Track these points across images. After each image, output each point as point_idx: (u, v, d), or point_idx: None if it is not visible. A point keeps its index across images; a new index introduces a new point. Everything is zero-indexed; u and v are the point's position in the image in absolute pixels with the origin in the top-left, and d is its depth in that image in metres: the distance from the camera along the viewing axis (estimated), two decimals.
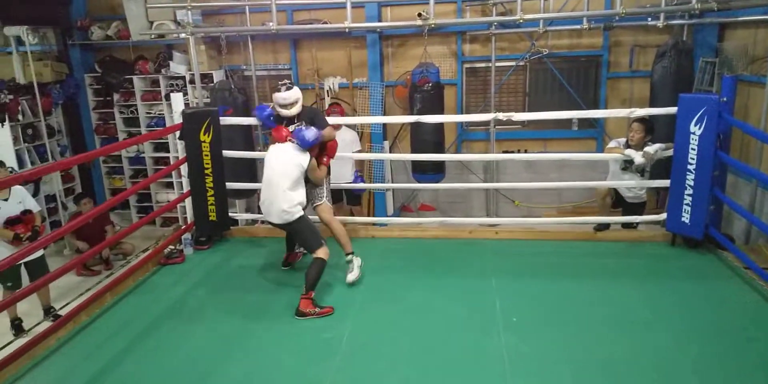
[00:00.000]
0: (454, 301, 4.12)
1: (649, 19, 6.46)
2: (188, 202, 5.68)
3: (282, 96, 4.42)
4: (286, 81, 4.54)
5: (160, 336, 3.80)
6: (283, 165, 4.21)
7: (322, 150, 4.49)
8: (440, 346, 3.55)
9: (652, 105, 5.91)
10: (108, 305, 4.24)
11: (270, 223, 4.36)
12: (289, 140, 4.27)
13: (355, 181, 6.61)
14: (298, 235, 4.35)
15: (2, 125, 6.84)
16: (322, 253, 4.13)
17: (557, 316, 3.87)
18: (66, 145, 8.03)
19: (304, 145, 4.22)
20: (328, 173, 4.72)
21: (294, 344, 3.66)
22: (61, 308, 5.06)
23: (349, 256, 4.50)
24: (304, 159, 4.22)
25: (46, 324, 4.09)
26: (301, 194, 4.23)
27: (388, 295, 4.23)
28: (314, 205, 4.62)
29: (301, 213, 4.20)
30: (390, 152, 7.61)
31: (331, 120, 6.43)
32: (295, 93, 4.46)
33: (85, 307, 3.96)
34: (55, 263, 5.93)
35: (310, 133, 4.22)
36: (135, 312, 4.15)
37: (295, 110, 4.48)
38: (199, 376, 3.33)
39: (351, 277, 4.42)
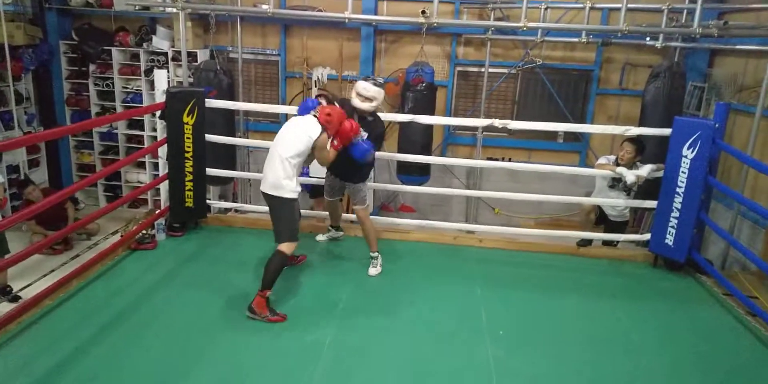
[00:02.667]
0: (440, 309, 4.04)
1: (647, 38, 6.50)
2: (163, 186, 5.43)
3: (363, 85, 4.25)
4: (379, 77, 4.52)
5: (127, 328, 3.58)
6: (294, 133, 3.92)
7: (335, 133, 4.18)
8: (427, 357, 3.46)
9: (642, 124, 5.94)
10: (74, 290, 3.98)
11: (262, 194, 4.01)
12: (314, 115, 3.98)
13: None
14: (276, 216, 3.97)
15: None
16: (287, 247, 3.85)
17: (543, 331, 3.84)
18: (33, 114, 7.61)
19: (356, 155, 4.11)
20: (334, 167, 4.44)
21: (271, 347, 3.50)
22: (21, 289, 4.78)
23: (375, 253, 4.58)
24: (315, 131, 3.89)
25: (4, 305, 3.82)
26: (295, 179, 3.91)
27: (372, 301, 4.11)
28: (355, 205, 4.61)
29: (293, 195, 3.89)
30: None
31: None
32: (379, 92, 4.28)
33: (51, 292, 3.70)
34: (14, 238, 5.63)
35: (370, 152, 4.14)
36: (103, 299, 3.91)
37: (367, 106, 4.26)
38: (165, 374, 3.14)
39: (374, 271, 4.52)
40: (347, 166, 4.37)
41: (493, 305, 4.14)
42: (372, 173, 7.53)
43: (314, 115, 3.98)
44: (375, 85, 4.27)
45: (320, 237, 5.15)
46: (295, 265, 4.54)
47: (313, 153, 3.98)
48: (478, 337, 3.70)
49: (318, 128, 3.90)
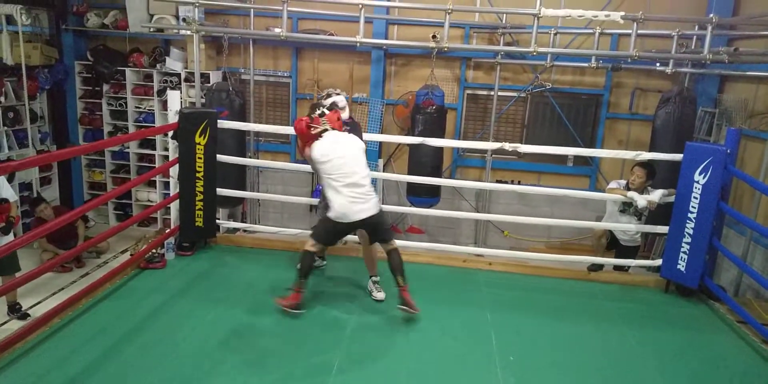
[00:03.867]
0: (451, 333, 3.99)
1: (657, 64, 6.54)
2: (174, 205, 5.45)
3: (337, 99, 4.43)
4: (330, 90, 4.64)
5: (136, 347, 3.56)
6: (352, 151, 4.04)
7: None
8: (436, 383, 3.41)
9: (652, 149, 5.94)
10: (83, 308, 3.97)
11: (352, 222, 3.97)
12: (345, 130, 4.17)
13: None
14: (383, 224, 4.16)
15: None
16: (395, 243, 4.14)
17: (554, 357, 3.78)
18: (47, 133, 7.70)
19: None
20: None
21: (280, 368, 3.46)
22: (30, 307, 4.77)
23: (376, 278, 4.51)
24: (361, 142, 4.15)
25: (13, 323, 3.81)
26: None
27: (382, 323, 4.07)
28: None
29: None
30: (383, 171, 7.51)
31: None
32: (343, 98, 4.52)
33: (60, 311, 3.69)
34: (24, 255, 5.64)
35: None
36: (112, 318, 3.89)
37: (346, 115, 4.47)
38: None
39: (381, 295, 4.42)
40: None
41: (503, 330, 4.08)
42: (381, 194, 7.60)
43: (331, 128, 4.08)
44: (338, 94, 4.50)
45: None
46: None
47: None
48: (488, 363, 3.64)
49: (359, 140, 4.16)
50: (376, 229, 4.12)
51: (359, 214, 3.93)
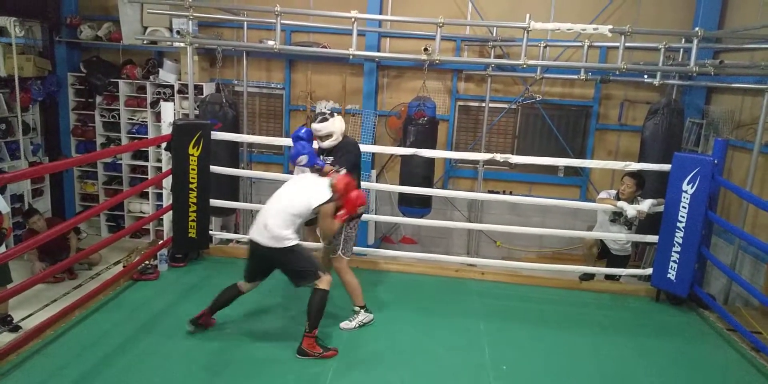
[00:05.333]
0: (444, 343, 4.02)
1: (645, 76, 6.65)
2: (166, 217, 5.46)
3: (315, 127, 4.15)
4: (325, 112, 4.33)
5: (129, 359, 3.56)
6: (301, 193, 3.80)
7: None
8: None
9: (641, 160, 6.01)
10: (76, 320, 3.97)
11: (251, 242, 3.80)
12: (330, 183, 3.83)
13: None
14: (289, 266, 3.74)
15: None
16: (324, 283, 3.71)
17: (547, 366, 3.81)
18: (39, 144, 7.68)
19: (292, 158, 4.05)
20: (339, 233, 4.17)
21: (275, 379, 3.47)
22: (22, 319, 4.74)
23: (358, 308, 4.22)
24: (319, 197, 3.73)
25: (4, 335, 3.80)
26: (292, 232, 3.74)
27: (375, 333, 4.09)
28: (332, 255, 4.27)
29: (295, 242, 3.72)
30: (376, 182, 7.55)
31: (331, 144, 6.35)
32: (329, 123, 4.12)
33: (53, 323, 3.69)
34: (15, 266, 5.60)
35: (308, 157, 3.99)
36: (104, 330, 3.89)
37: (329, 142, 4.16)
38: None
39: (346, 325, 4.16)
40: None
41: (496, 340, 4.12)
42: (374, 204, 7.65)
43: (331, 183, 3.81)
44: (322, 120, 4.12)
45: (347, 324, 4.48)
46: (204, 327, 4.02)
47: (317, 219, 3.83)
48: (481, 373, 3.67)
49: (326, 195, 3.74)
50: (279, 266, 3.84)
51: (253, 234, 3.78)
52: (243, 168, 7.47)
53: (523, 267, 5.53)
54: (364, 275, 4.94)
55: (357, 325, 4.18)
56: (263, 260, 3.83)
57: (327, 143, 4.17)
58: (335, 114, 4.25)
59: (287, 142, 6.97)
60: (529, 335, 4.25)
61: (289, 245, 3.69)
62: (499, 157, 5.11)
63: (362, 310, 4.22)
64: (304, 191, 3.82)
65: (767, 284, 5.09)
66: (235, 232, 7.64)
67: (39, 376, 3.32)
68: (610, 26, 5.29)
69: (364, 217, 6.94)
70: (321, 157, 4.22)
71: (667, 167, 4.89)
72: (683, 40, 6.15)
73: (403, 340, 4.02)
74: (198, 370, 3.50)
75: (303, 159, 4.03)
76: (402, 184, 6.57)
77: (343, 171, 3.96)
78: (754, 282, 5.28)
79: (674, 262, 4.82)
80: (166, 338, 3.84)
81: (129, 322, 4.02)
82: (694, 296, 4.81)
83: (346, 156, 4.19)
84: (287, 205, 3.77)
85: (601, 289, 5.22)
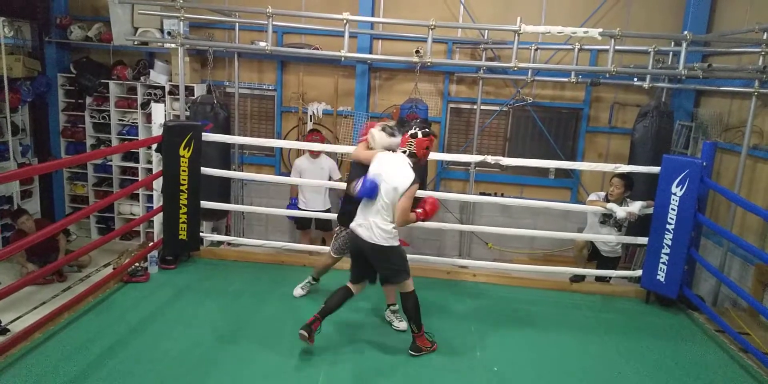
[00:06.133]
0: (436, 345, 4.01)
1: (635, 79, 6.70)
2: (157, 219, 5.43)
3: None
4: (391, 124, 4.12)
5: (119, 361, 3.53)
6: (391, 176, 3.70)
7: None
8: None
9: (631, 162, 6.06)
10: (65, 322, 3.93)
11: (354, 242, 3.85)
12: (408, 151, 3.80)
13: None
14: (387, 262, 3.82)
15: None
16: (411, 285, 3.87)
17: (537, 367, 3.82)
18: (28, 145, 7.62)
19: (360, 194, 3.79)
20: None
21: (266, 380, 3.46)
22: (10, 322, 4.70)
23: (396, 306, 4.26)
24: (406, 181, 3.66)
25: None
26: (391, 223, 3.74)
27: (367, 336, 4.08)
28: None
29: (396, 242, 3.79)
30: None
31: (323, 147, 6.32)
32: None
33: (42, 325, 3.66)
34: (2, 269, 5.57)
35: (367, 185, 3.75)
36: (94, 332, 3.86)
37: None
38: None
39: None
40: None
41: (487, 341, 4.13)
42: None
43: (409, 151, 3.77)
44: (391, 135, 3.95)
45: (299, 290, 4.71)
46: None
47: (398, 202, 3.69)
48: (472, 374, 3.68)
49: (410, 178, 3.66)
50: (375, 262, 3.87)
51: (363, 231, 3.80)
52: (234, 170, 7.45)
53: (514, 269, 5.55)
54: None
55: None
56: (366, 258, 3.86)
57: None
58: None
59: (279, 143, 7.01)
60: (519, 336, 4.26)
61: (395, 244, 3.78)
62: (490, 159, 5.13)
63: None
64: (396, 174, 3.69)
65: (755, 286, 5.13)
66: (226, 234, 7.62)
67: (27, 379, 3.29)
68: (600, 29, 5.32)
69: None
70: None
71: (656, 170, 4.93)
72: (672, 43, 6.20)
73: (393, 342, 4.02)
74: (188, 372, 3.48)
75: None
76: None
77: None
78: (742, 283, 5.33)
79: (663, 263, 4.85)
80: (156, 341, 3.82)
81: (119, 324, 3.99)
82: (684, 298, 4.85)
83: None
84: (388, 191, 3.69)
85: (591, 290, 5.25)
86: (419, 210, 3.81)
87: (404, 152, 3.83)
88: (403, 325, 4.18)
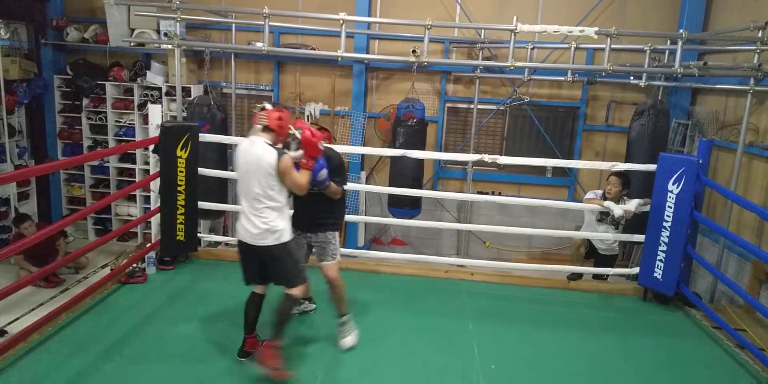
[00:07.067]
0: (432, 343, 4.03)
1: (631, 77, 6.71)
2: (154, 219, 5.43)
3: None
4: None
5: (117, 363, 3.53)
6: (252, 165, 3.36)
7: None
8: None
9: (628, 160, 6.07)
10: (63, 323, 3.94)
11: (240, 244, 3.55)
12: (261, 125, 3.43)
13: None
14: (277, 265, 3.50)
15: None
16: (299, 290, 3.52)
17: (535, 366, 3.83)
18: (25, 147, 7.61)
19: (315, 172, 3.53)
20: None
21: (264, 381, 3.46)
22: (8, 324, 4.70)
23: (344, 318, 3.93)
24: (272, 155, 3.32)
25: None
26: (279, 216, 3.42)
27: (364, 335, 4.07)
28: (323, 261, 3.88)
29: (286, 238, 3.45)
30: (366, 183, 7.56)
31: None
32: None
33: (40, 326, 3.66)
34: (0, 271, 5.56)
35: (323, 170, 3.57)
36: (92, 333, 3.86)
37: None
38: None
39: (348, 341, 3.88)
40: (316, 207, 3.82)
41: (485, 339, 4.13)
42: (363, 205, 7.66)
43: (262, 125, 3.41)
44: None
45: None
46: None
47: (283, 181, 3.39)
48: (470, 372, 3.68)
49: (265, 148, 3.34)
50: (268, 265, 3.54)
51: (242, 235, 3.50)
52: (231, 170, 7.44)
53: (512, 267, 5.57)
54: (354, 277, 4.96)
55: (356, 337, 3.93)
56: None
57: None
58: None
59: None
60: (517, 335, 4.27)
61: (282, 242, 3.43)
62: (487, 158, 5.14)
63: (348, 318, 3.96)
64: (256, 162, 3.35)
65: (752, 282, 5.15)
66: (224, 235, 7.62)
67: (25, 380, 3.29)
68: (596, 28, 5.34)
69: (354, 218, 7.01)
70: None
71: (653, 167, 4.94)
72: (668, 41, 6.22)
73: (391, 342, 4.03)
74: (186, 373, 3.48)
75: (324, 173, 3.63)
76: (391, 185, 6.59)
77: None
78: (738, 280, 5.35)
79: (661, 261, 4.86)
80: (154, 341, 3.83)
81: (117, 325, 3.99)
82: (681, 295, 4.86)
83: (344, 175, 3.89)
84: (256, 183, 3.37)
85: (589, 288, 5.26)
86: (303, 161, 3.45)
87: (259, 129, 3.44)
88: (348, 340, 3.90)
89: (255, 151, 3.37)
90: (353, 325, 3.98)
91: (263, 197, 3.38)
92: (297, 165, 3.46)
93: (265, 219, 3.39)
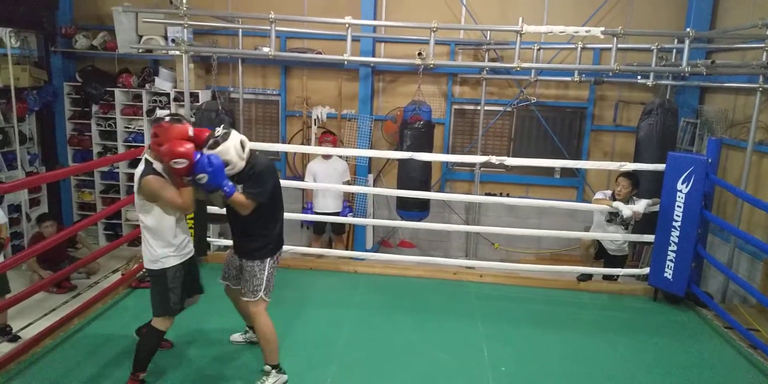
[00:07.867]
0: (442, 345, 4.03)
1: (639, 77, 6.69)
2: None
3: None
4: (218, 132, 3.25)
5: (129, 368, 3.52)
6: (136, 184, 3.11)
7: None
8: None
9: (636, 160, 6.04)
10: (75, 328, 3.98)
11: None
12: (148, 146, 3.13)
13: (343, 213, 6.56)
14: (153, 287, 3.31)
15: None
16: (161, 323, 3.26)
17: (546, 367, 3.82)
18: (36, 154, 7.69)
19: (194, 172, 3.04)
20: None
21: None
22: (21, 329, 4.74)
23: (268, 368, 3.38)
24: (138, 172, 3.07)
25: (4, 345, 3.80)
26: (157, 241, 3.15)
27: (374, 337, 4.10)
28: (246, 298, 3.46)
29: (164, 265, 3.19)
30: (373, 186, 7.57)
31: (329, 151, 6.28)
32: (223, 152, 3.16)
33: (53, 331, 3.69)
34: (13, 276, 5.59)
35: (210, 177, 3.02)
36: (104, 338, 3.90)
37: (228, 172, 3.25)
38: None
39: None
40: (235, 227, 3.47)
41: (495, 341, 4.13)
42: (371, 208, 7.66)
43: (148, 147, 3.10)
44: (213, 146, 3.11)
45: (236, 337, 4.03)
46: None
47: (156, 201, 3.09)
48: (480, 374, 3.68)
49: (140, 167, 3.05)
50: None
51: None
52: None
53: (521, 268, 5.55)
54: (362, 279, 4.97)
55: None
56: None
57: (228, 172, 3.17)
58: (227, 130, 3.18)
59: (284, 148, 7.04)
60: (527, 336, 4.26)
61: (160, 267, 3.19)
62: (495, 159, 5.14)
63: (274, 371, 3.37)
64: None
65: (764, 282, 5.10)
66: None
67: None
68: (603, 28, 5.33)
69: (362, 221, 7.02)
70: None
71: (661, 167, 4.93)
72: (675, 40, 6.19)
73: (401, 344, 4.04)
74: (197, 378, 3.50)
75: (203, 177, 3.01)
76: (399, 188, 6.59)
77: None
78: (750, 279, 5.30)
79: (671, 261, 4.84)
80: (165, 351, 3.83)
81: (128, 330, 4.00)
82: (692, 295, 4.84)
83: (262, 187, 3.31)
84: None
85: (599, 289, 5.24)
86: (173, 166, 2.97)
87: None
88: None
89: (136, 172, 3.13)
90: (274, 381, 3.36)
91: (140, 220, 3.17)
92: (195, 179, 2.99)
93: (145, 243, 3.19)
